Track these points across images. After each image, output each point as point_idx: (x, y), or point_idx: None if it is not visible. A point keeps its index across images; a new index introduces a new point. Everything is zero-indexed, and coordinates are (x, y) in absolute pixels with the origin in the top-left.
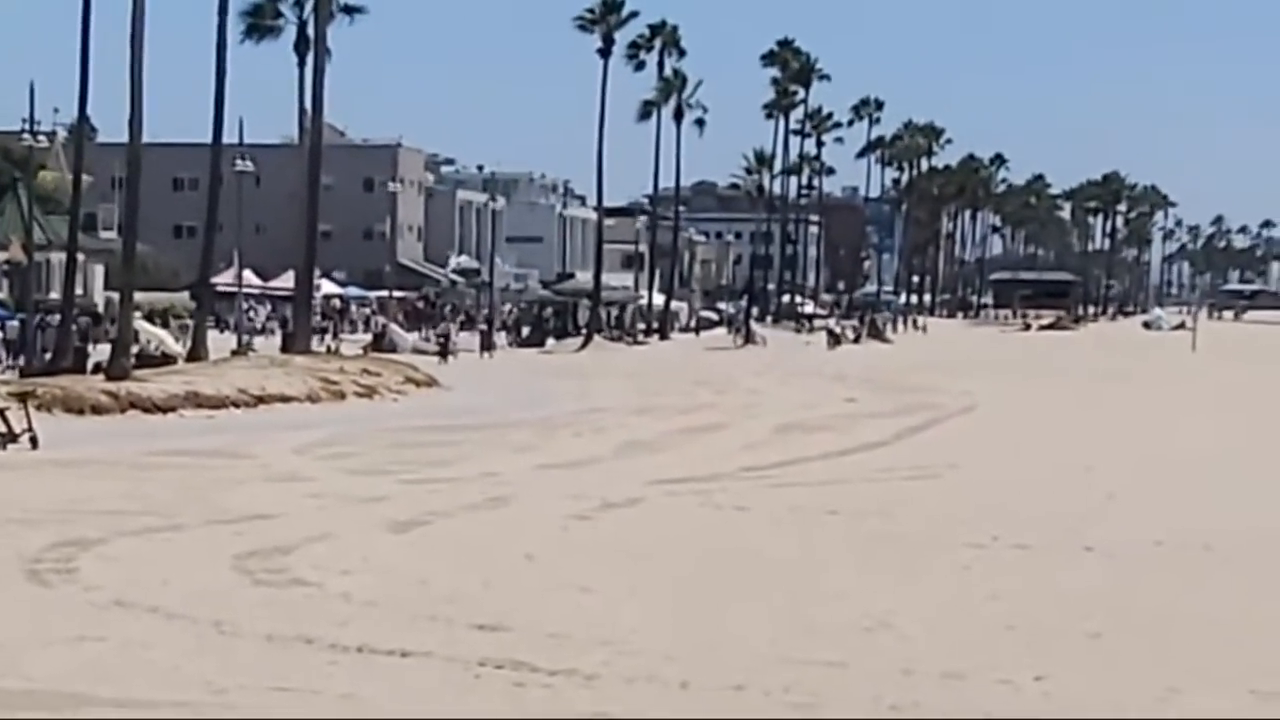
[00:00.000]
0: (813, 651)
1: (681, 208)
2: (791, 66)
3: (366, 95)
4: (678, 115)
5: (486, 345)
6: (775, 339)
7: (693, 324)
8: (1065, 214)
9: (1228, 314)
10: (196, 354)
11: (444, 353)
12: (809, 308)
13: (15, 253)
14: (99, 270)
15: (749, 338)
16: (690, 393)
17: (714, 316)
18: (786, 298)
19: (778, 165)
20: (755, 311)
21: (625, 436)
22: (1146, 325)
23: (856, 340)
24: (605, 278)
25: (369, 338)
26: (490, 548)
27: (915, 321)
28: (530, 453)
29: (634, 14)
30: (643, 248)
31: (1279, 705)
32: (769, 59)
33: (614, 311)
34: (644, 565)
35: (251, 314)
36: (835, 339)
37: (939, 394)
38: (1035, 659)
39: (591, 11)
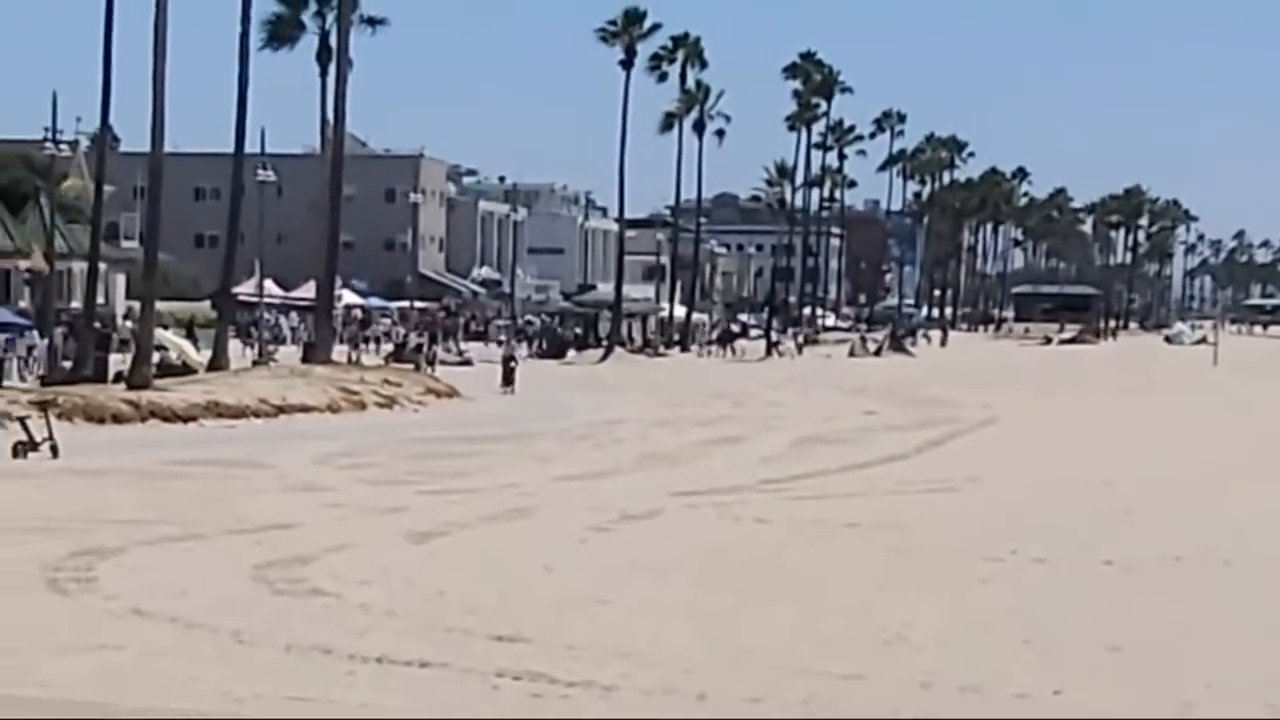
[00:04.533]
0: (830, 664)
1: (703, 220)
2: (814, 79)
3: (388, 105)
4: (699, 127)
5: (507, 379)
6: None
7: (713, 337)
8: (1087, 228)
9: (1253, 328)
10: (217, 363)
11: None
12: (830, 320)
13: (37, 261)
14: (120, 279)
15: (772, 349)
16: (709, 405)
17: (735, 329)
18: (808, 310)
19: (799, 178)
20: (776, 324)
21: (645, 448)
22: (1168, 340)
23: (878, 353)
24: (626, 289)
25: (390, 348)
26: (509, 559)
27: (928, 336)
28: (549, 464)
29: (656, 26)
30: (664, 259)
31: None
32: (791, 71)
33: (635, 323)
34: (662, 577)
35: (274, 324)
36: (774, 347)
37: (959, 407)
38: (1053, 672)
39: (614, 23)
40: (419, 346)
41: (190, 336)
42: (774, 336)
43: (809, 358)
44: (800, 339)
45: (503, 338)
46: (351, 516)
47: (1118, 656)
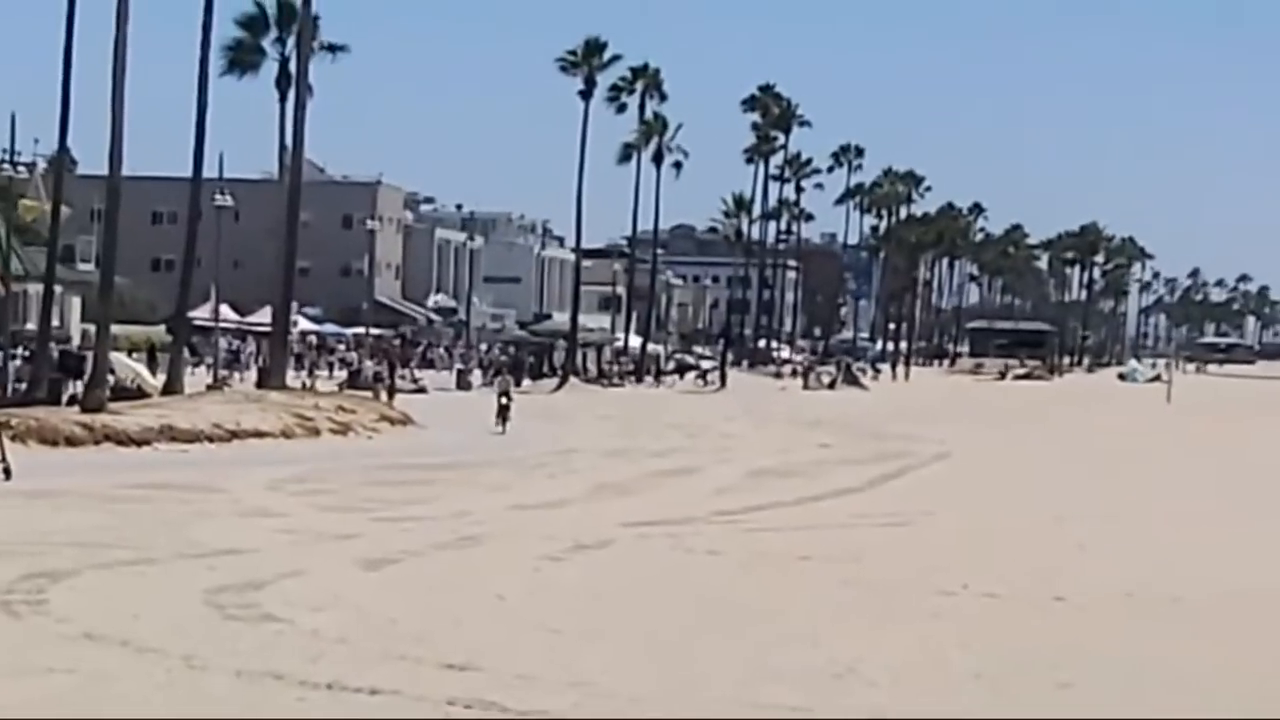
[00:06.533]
0: (781, 697)
1: (660, 250)
2: (772, 112)
3: (347, 132)
4: (657, 158)
5: (502, 416)
6: (751, 384)
7: (669, 367)
8: (1042, 264)
9: (1208, 367)
10: (172, 388)
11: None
12: (785, 353)
13: None
14: (76, 302)
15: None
16: (664, 436)
17: (690, 361)
18: (763, 342)
19: (756, 210)
20: (730, 356)
21: (598, 478)
22: (1122, 377)
23: (832, 385)
24: (582, 319)
25: (345, 375)
26: (461, 587)
27: (877, 369)
28: (503, 493)
29: (616, 57)
30: (620, 290)
31: None
32: (750, 104)
33: (590, 353)
34: (614, 607)
35: (230, 349)
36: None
37: (913, 441)
38: (1003, 708)
39: (574, 53)
40: (378, 375)
41: (152, 361)
42: (704, 367)
43: (764, 389)
44: (720, 370)
45: (460, 366)
46: (304, 542)
47: (1068, 692)
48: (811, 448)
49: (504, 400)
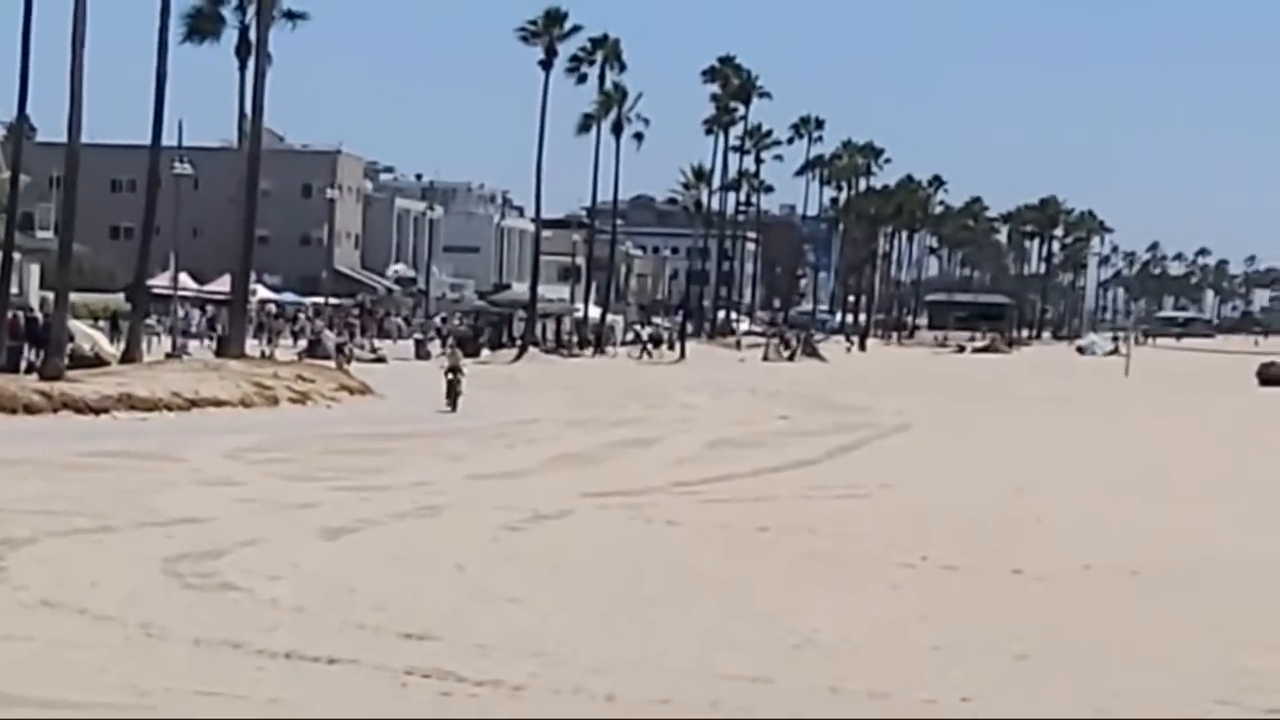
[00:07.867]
0: (740, 667)
1: (619, 221)
2: (732, 83)
3: (307, 100)
4: (617, 129)
5: (451, 394)
6: (710, 355)
7: (628, 338)
8: (1002, 237)
9: (1155, 340)
10: (131, 356)
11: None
12: (744, 324)
13: None
14: (35, 270)
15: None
16: (623, 406)
17: (647, 333)
18: (722, 314)
19: (716, 181)
20: (690, 328)
21: (557, 448)
22: (1080, 350)
23: (791, 358)
24: (541, 289)
25: (304, 344)
26: (420, 557)
27: (851, 340)
28: (462, 462)
29: (577, 27)
30: (580, 260)
31: None
32: (710, 75)
33: (549, 324)
34: (573, 578)
35: (184, 317)
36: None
37: (872, 413)
38: (962, 680)
39: (534, 23)
40: (340, 346)
41: (115, 329)
42: (644, 337)
43: (723, 360)
44: (680, 340)
45: (418, 335)
46: (263, 511)
47: (1027, 664)
48: (771, 419)
49: (451, 376)
